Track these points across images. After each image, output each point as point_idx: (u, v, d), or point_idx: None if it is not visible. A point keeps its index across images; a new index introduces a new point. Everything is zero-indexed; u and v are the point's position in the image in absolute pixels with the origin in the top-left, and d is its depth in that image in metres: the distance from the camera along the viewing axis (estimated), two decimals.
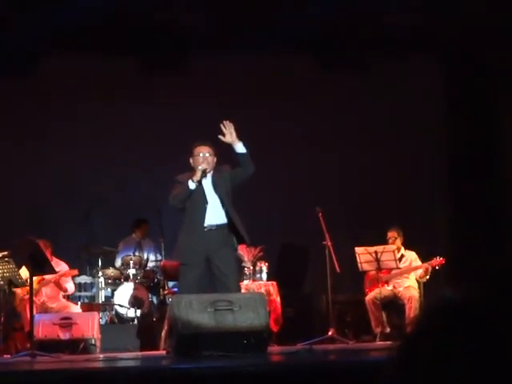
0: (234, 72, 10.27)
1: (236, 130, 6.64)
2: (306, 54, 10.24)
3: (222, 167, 6.86)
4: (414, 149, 10.54)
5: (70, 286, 8.72)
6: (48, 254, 7.73)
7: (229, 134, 6.64)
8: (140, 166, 10.23)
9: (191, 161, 6.82)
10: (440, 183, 10.63)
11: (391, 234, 8.72)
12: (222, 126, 6.66)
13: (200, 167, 6.64)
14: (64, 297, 8.76)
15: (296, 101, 10.40)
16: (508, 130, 10.06)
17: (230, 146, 6.68)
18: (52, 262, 7.55)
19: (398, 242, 8.70)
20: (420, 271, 8.57)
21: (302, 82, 10.36)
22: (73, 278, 9.01)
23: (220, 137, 6.66)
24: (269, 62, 10.19)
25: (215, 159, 6.84)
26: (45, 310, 8.36)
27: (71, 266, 8.71)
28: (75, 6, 8.72)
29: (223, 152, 6.88)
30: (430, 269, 8.50)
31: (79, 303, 9.05)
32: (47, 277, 8.24)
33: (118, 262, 9.65)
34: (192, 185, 6.62)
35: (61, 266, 8.36)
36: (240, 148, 6.65)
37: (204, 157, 6.74)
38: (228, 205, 6.69)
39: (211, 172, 6.80)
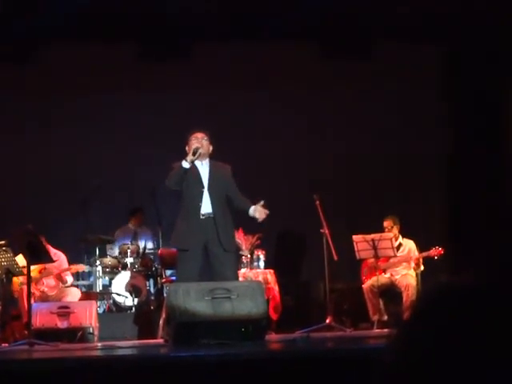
0: (235, 59, 10.24)
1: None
2: (306, 40, 10.20)
3: (224, 165, 6.94)
4: (415, 137, 10.50)
5: (70, 279, 8.69)
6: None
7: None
8: (138, 154, 10.20)
9: (187, 148, 6.86)
10: (440, 172, 10.61)
11: (387, 223, 8.71)
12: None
13: (194, 146, 6.71)
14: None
15: (295, 88, 10.36)
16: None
17: (224, 140, 6.89)
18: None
19: (395, 230, 8.68)
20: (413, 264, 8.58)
21: (301, 68, 10.32)
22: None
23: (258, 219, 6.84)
24: (268, 49, 10.15)
25: (211, 147, 6.90)
26: (45, 298, 8.35)
27: (69, 255, 8.70)
28: None
29: (219, 147, 6.99)
30: (421, 260, 8.52)
31: None
32: (49, 267, 8.23)
33: (115, 251, 9.64)
34: (185, 163, 6.68)
35: (57, 256, 8.32)
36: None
37: (198, 140, 6.82)
38: (216, 200, 6.73)
39: (208, 161, 6.84)
